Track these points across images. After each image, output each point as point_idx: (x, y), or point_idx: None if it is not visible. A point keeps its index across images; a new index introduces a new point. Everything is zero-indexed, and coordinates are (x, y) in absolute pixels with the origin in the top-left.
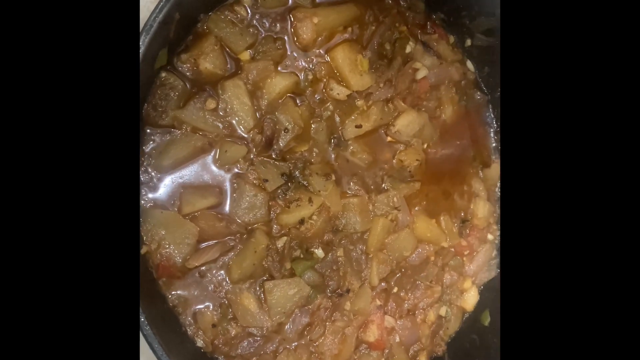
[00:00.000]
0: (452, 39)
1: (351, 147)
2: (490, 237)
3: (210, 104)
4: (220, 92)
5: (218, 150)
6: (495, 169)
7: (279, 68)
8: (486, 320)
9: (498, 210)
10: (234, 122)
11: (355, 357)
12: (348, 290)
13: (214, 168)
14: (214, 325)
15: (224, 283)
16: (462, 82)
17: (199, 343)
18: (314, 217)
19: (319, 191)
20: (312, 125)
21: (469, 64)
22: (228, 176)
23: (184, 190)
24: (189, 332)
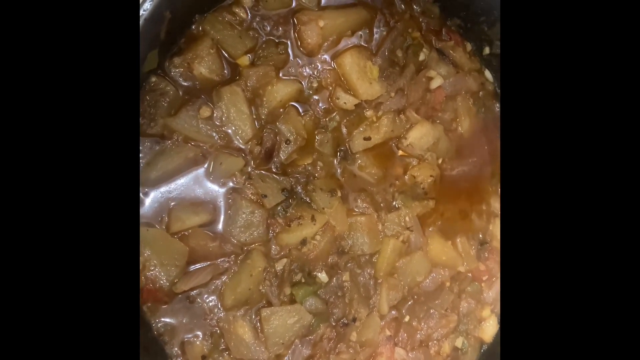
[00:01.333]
0: (469, 46)
1: (359, 161)
2: None
3: (205, 112)
4: (216, 99)
5: (212, 163)
6: None
7: (280, 74)
8: None
9: None
10: (230, 132)
11: None
12: (354, 319)
13: (207, 182)
14: (204, 357)
15: (216, 310)
16: (480, 92)
17: None
18: (318, 237)
19: (323, 208)
20: (317, 137)
21: (487, 74)
22: (223, 191)
23: (173, 205)
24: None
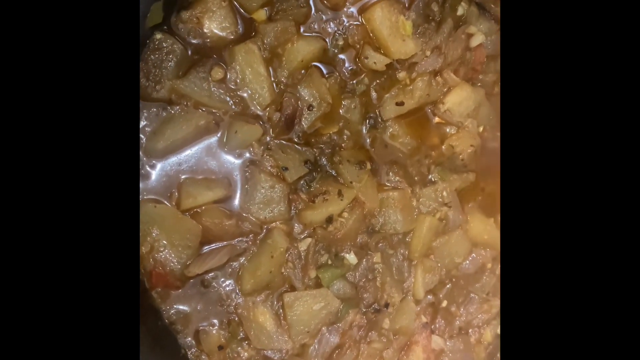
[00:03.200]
0: None
1: (391, 129)
2: None
3: (217, 73)
4: (229, 59)
5: (226, 131)
6: None
7: (301, 30)
8: None
9: None
10: (246, 96)
11: None
12: (387, 305)
13: (221, 153)
14: (221, 347)
15: (234, 295)
16: None
17: None
18: (345, 215)
19: (351, 182)
20: (343, 102)
21: None
22: (239, 163)
23: (184, 179)
24: (190, 356)
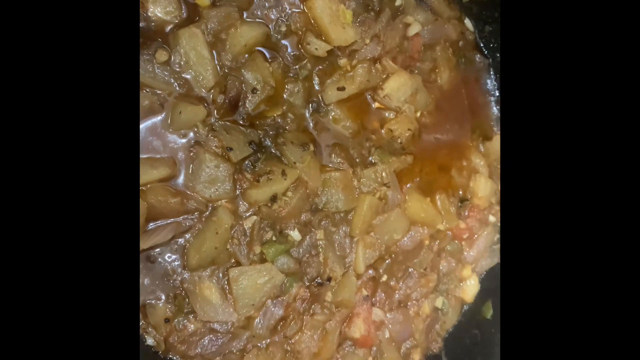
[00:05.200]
0: None
1: (333, 113)
2: (492, 219)
3: (162, 56)
4: (173, 42)
5: (171, 112)
6: (497, 142)
7: (245, 16)
8: (488, 312)
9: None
10: (190, 78)
11: (338, 356)
12: (329, 279)
13: (166, 133)
14: (167, 320)
15: (180, 270)
16: (460, 42)
17: (149, 341)
18: (289, 194)
19: (295, 163)
20: (287, 86)
21: (468, 22)
22: (183, 143)
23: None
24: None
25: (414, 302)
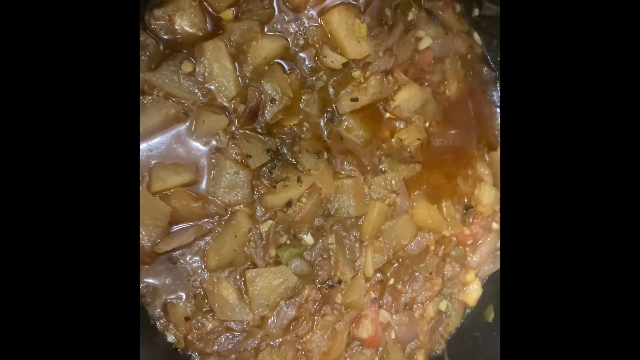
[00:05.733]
0: (458, 7)
1: (346, 123)
2: (495, 225)
3: (187, 67)
4: (198, 54)
5: (195, 121)
6: None
7: (265, 30)
8: (490, 316)
9: None
10: (213, 88)
11: (347, 355)
12: (340, 281)
13: (189, 141)
14: (187, 319)
15: (200, 271)
16: (469, 55)
17: (170, 338)
18: (303, 199)
19: (309, 170)
20: (303, 97)
21: (476, 36)
22: (206, 150)
23: (154, 164)
24: (158, 326)
25: (419, 304)
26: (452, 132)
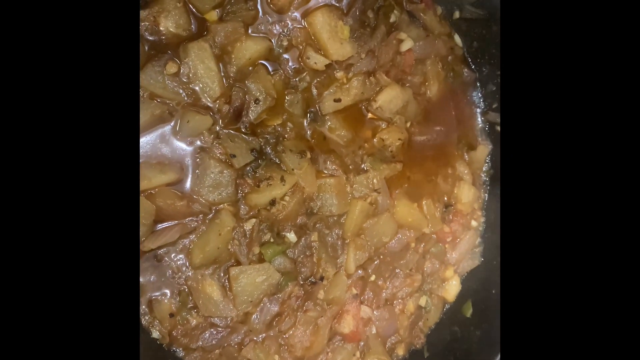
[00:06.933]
0: (439, 9)
1: (329, 123)
2: (474, 223)
3: (171, 67)
4: (183, 55)
5: (179, 120)
6: (481, 152)
7: (249, 31)
8: (468, 311)
9: (483, 195)
10: (197, 89)
11: (329, 350)
12: (322, 278)
13: (174, 140)
14: (171, 315)
15: (184, 268)
16: (449, 57)
17: (155, 334)
18: (287, 198)
19: (293, 170)
20: (287, 97)
21: (457, 38)
22: (190, 150)
23: (140, 163)
24: (143, 322)
25: (399, 300)
26: (433, 132)
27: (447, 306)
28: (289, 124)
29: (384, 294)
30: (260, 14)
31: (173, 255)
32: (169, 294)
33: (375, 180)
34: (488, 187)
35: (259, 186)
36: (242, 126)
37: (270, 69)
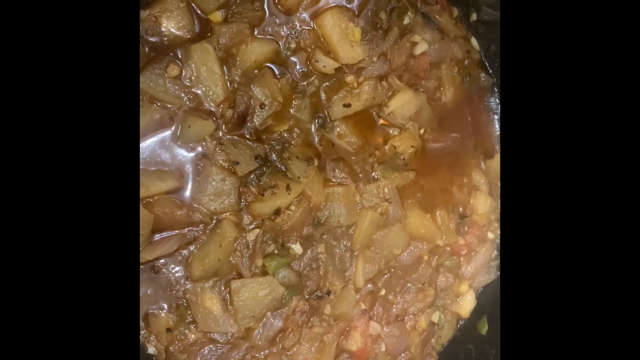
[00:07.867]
0: (455, 11)
1: (338, 129)
2: (490, 235)
3: (173, 70)
4: (185, 57)
5: (180, 126)
6: (498, 160)
7: (255, 33)
8: (483, 328)
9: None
10: (200, 93)
11: None
12: (329, 292)
13: (174, 146)
14: (169, 330)
15: (183, 281)
16: (466, 61)
17: (151, 350)
18: (292, 208)
19: (299, 178)
20: (294, 102)
21: (474, 41)
22: (191, 156)
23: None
24: (139, 338)
25: (410, 316)
26: (448, 139)
27: (461, 322)
28: (295, 129)
29: (395, 310)
30: (267, 14)
31: (171, 267)
32: (166, 308)
33: (386, 190)
34: None
35: (263, 195)
36: (246, 132)
37: (276, 72)
